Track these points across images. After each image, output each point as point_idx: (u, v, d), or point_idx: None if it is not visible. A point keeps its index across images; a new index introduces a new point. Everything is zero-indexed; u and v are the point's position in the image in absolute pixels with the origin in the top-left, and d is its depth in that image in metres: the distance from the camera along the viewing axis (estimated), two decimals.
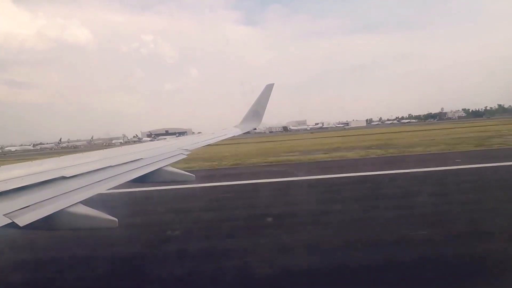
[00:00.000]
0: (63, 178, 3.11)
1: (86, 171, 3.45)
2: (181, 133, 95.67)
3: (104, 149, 4.99)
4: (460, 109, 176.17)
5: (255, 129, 11.36)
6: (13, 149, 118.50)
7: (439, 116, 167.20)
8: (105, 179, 3.45)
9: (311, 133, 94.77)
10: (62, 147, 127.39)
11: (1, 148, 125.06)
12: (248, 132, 11.73)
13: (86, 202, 2.90)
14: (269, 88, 11.23)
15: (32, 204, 2.60)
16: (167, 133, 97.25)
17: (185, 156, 5.89)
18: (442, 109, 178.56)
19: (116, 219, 2.90)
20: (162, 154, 5.28)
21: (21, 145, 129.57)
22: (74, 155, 4.17)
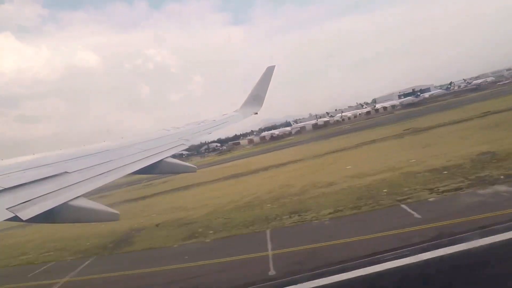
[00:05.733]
0: (65, 171, 3.12)
1: (88, 164, 3.46)
2: (425, 89, 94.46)
3: (105, 141, 4.99)
4: None
5: (257, 113, 10.88)
6: None
7: None
8: (106, 171, 3.46)
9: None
10: None
11: None
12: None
13: None
14: (270, 70, 10.59)
15: (35, 198, 2.62)
16: (413, 91, 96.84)
17: (187, 146, 5.85)
18: None
19: (118, 213, 2.92)
20: (163, 145, 5.27)
21: None
22: (76, 148, 4.18)
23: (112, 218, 2.90)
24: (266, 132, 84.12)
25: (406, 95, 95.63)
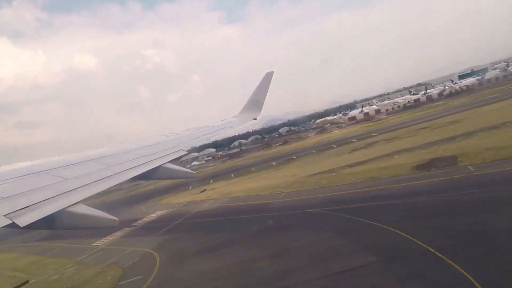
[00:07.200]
0: (64, 178, 3.11)
1: (86, 170, 3.44)
2: (483, 69, 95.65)
3: (103, 147, 4.97)
4: None
5: (255, 119, 10.83)
6: None
7: None
8: (104, 177, 3.44)
9: None
10: None
11: None
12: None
13: None
14: (268, 76, 10.74)
15: (32, 204, 2.60)
16: (472, 71, 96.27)
17: (185, 153, 5.82)
18: None
19: (116, 219, 2.90)
20: (161, 151, 5.25)
21: None
22: (74, 154, 4.16)
23: (111, 224, 2.87)
24: (372, 107, 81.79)
25: (465, 75, 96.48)
